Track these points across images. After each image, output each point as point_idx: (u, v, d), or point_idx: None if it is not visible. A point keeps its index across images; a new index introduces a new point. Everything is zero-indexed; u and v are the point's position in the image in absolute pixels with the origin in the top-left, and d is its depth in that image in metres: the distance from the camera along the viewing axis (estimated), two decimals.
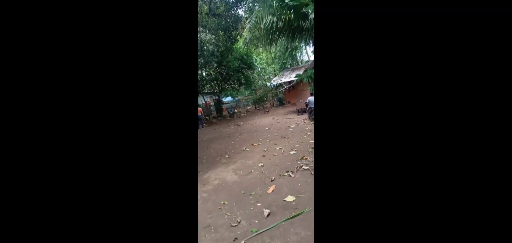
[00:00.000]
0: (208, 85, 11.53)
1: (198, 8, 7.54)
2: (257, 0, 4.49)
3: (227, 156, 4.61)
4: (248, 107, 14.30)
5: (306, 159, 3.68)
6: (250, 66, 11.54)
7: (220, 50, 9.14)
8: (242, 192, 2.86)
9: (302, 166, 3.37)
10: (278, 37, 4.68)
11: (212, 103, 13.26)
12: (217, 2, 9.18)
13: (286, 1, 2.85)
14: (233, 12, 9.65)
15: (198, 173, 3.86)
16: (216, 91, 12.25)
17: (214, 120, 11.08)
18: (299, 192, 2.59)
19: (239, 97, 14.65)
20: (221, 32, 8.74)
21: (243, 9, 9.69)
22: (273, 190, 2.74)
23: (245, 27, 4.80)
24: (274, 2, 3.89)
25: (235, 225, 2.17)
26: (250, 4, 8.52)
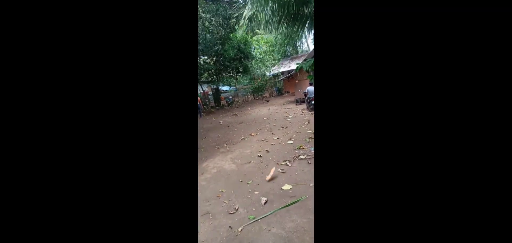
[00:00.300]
0: (205, 74, 11.40)
1: None
2: None
3: (225, 145, 4.65)
4: (247, 97, 14.23)
5: (303, 148, 3.72)
6: (247, 56, 11.37)
7: (217, 37, 8.97)
8: (240, 180, 2.91)
9: (299, 155, 3.41)
10: (279, 23, 4.59)
11: (210, 93, 13.17)
12: None
13: None
14: None
15: None
16: (214, 80, 12.13)
17: (212, 110, 11.05)
18: (296, 181, 2.64)
19: (237, 86, 14.53)
20: (219, 19, 8.53)
21: None
22: (271, 179, 2.79)
23: (243, 15, 4.68)
24: None
25: (233, 213, 2.22)
26: None
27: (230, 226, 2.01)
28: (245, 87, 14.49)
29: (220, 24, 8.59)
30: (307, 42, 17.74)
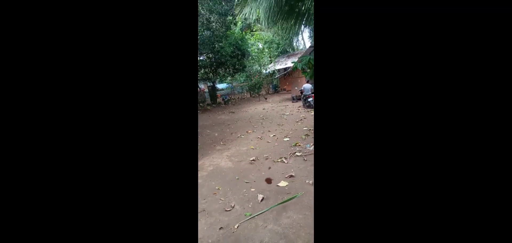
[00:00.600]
0: (202, 71, 11.31)
1: None
2: None
3: (221, 143, 4.63)
4: (243, 94, 14.19)
5: (299, 145, 3.74)
6: (244, 54, 11.31)
7: (214, 34, 8.89)
8: (236, 178, 2.91)
9: (295, 152, 3.43)
10: (276, 20, 4.57)
11: (206, 90, 13.08)
12: None
13: None
14: None
15: None
16: (210, 78, 12.05)
17: (209, 107, 10.99)
18: (292, 178, 2.66)
19: (233, 84, 14.47)
20: (216, 16, 8.45)
21: None
22: (267, 176, 2.80)
23: (237, 11, 4.64)
24: None
25: (229, 210, 2.22)
26: None
27: (221, 228, 2.02)
28: (242, 84, 14.44)
29: (216, 21, 8.51)
30: (303, 40, 17.76)
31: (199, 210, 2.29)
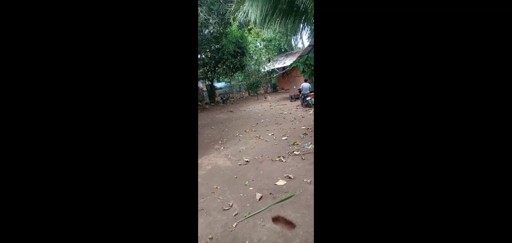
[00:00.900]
0: (200, 70, 11.27)
1: None
2: None
3: (220, 142, 4.64)
4: (242, 93, 14.18)
5: (297, 144, 3.75)
6: (244, 52, 11.29)
7: (215, 33, 8.86)
8: (235, 177, 2.92)
9: (293, 151, 3.44)
10: (274, 18, 4.55)
11: (204, 89, 13.05)
12: None
13: None
14: None
15: None
16: (209, 76, 12.02)
17: (207, 106, 10.97)
18: (290, 176, 2.67)
19: (232, 83, 14.45)
20: (214, 16, 8.43)
21: None
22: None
23: (237, 11, 4.62)
24: None
25: (228, 209, 2.23)
26: None
27: (219, 225, 2.03)
28: (240, 83, 14.42)
29: (215, 21, 8.48)
30: (302, 39, 17.77)
31: (197, 209, 2.29)
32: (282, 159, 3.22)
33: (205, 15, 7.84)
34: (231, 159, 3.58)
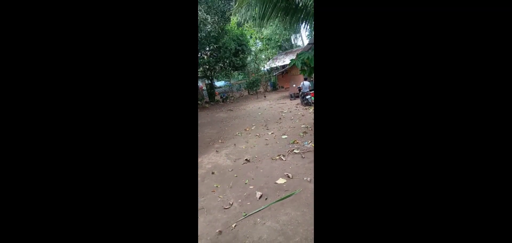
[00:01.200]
0: (200, 69, 11.25)
1: None
2: None
3: (220, 141, 4.64)
4: (241, 92, 14.17)
5: (297, 143, 3.76)
6: (244, 50, 11.27)
7: (215, 30, 8.84)
8: (235, 175, 2.92)
9: (293, 149, 3.45)
10: (273, 16, 4.53)
11: (204, 88, 13.04)
12: None
13: None
14: None
15: None
16: (209, 75, 12.00)
17: (207, 105, 10.97)
18: (290, 175, 2.67)
19: (232, 82, 14.43)
20: (213, 15, 8.40)
21: None
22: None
23: (236, 10, 4.60)
24: None
25: (228, 207, 2.24)
26: None
27: (219, 224, 2.03)
28: (240, 82, 14.40)
29: (213, 20, 8.45)
30: (302, 37, 17.72)
31: (198, 208, 2.30)
32: (282, 157, 3.22)
33: (204, 14, 7.81)
34: (231, 158, 3.59)
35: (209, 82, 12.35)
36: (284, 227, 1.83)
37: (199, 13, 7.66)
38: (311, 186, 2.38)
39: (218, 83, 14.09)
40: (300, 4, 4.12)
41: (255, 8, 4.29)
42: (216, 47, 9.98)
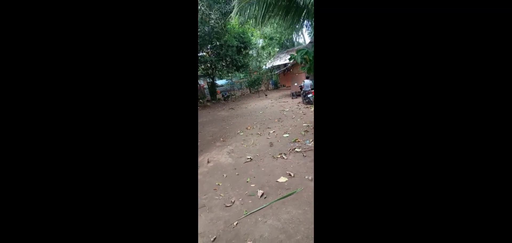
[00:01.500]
0: (202, 67, 11.25)
1: None
2: None
3: (221, 139, 4.65)
4: (243, 90, 14.16)
5: (298, 142, 3.76)
6: (247, 46, 11.25)
7: (217, 28, 8.83)
8: (236, 174, 2.93)
9: (295, 148, 3.45)
10: (274, 15, 4.50)
11: (206, 86, 13.05)
12: None
13: None
14: None
15: None
16: (210, 74, 12.01)
17: (208, 103, 10.98)
18: (291, 173, 2.68)
19: (233, 80, 14.43)
20: (216, 12, 8.38)
21: None
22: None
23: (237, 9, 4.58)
24: None
25: (230, 205, 2.25)
26: None
27: (221, 221, 2.04)
28: (241, 80, 14.39)
29: (216, 17, 8.44)
30: (304, 36, 17.65)
31: (199, 205, 2.32)
32: (284, 156, 3.22)
33: (206, 9, 7.79)
34: (233, 156, 3.60)
35: (211, 80, 12.36)
36: (285, 225, 1.84)
37: (202, 8, 7.65)
38: (313, 184, 2.38)
39: (219, 82, 14.09)
40: (301, 3, 4.10)
41: (256, 7, 4.27)
42: (219, 44, 9.98)
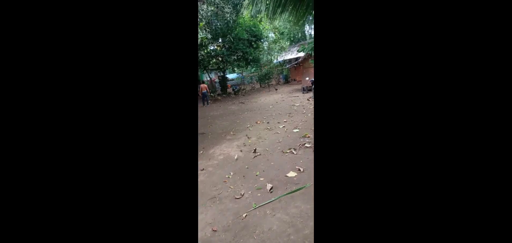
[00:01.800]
0: (213, 60, 11.34)
1: None
2: None
3: (231, 133, 4.71)
4: (253, 84, 14.15)
5: (309, 137, 3.73)
6: (259, 38, 11.18)
7: (230, 21, 8.85)
8: (246, 167, 2.98)
9: (305, 144, 3.43)
10: (286, 8, 4.42)
11: (217, 80, 13.17)
12: None
13: None
14: None
15: (204, 148, 3.99)
16: (221, 67, 12.09)
17: (219, 97, 11.10)
18: (301, 169, 2.68)
19: (244, 74, 14.44)
20: (230, 6, 8.37)
21: None
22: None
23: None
24: None
25: (239, 198, 2.30)
26: None
27: (231, 213, 2.09)
28: (252, 74, 14.37)
29: (230, 9, 8.43)
30: None
31: (210, 197, 2.38)
32: (293, 151, 3.22)
33: (221, 2, 7.80)
34: (243, 149, 3.64)
35: (222, 74, 12.44)
36: (293, 219, 1.86)
37: (216, 0, 7.66)
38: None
39: (230, 76, 14.16)
40: None
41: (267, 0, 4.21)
42: (230, 38, 10.00)
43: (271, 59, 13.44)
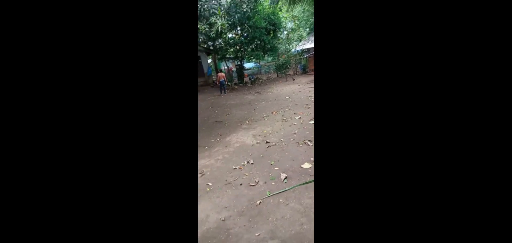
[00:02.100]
0: (231, 49, 11.37)
1: None
2: None
3: (247, 122, 4.78)
4: (270, 74, 14.01)
5: None
6: (277, 26, 10.96)
7: (248, 11, 8.78)
8: (261, 156, 3.03)
9: None
10: None
11: (234, 69, 13.23)
12: None
13: None
14: None
15: (221, 135, 4.11)
16: (239, 56, 12.09)
17: (236, 86, 11.18)
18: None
19: (261, 63, 14.31)
20: None
21: None
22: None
23: None
24: None
25: (254, 185, 2.37)
26: None
27: (246, 199, 2.17)
28: (269, 64, 14.20)
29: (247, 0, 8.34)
30: None
31: (225, 182, 2.49)
32: (308, 143, 3.20)
33: None
34: (258, 139, 3.70)
35: (239, 63, 12.46)
36: (307, 209, 1.89)
37: None
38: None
39: (247, 65, 14.12)
40: None
41: None
42: (248, 26, 9.91)
43: (289, 49, 13.12)
